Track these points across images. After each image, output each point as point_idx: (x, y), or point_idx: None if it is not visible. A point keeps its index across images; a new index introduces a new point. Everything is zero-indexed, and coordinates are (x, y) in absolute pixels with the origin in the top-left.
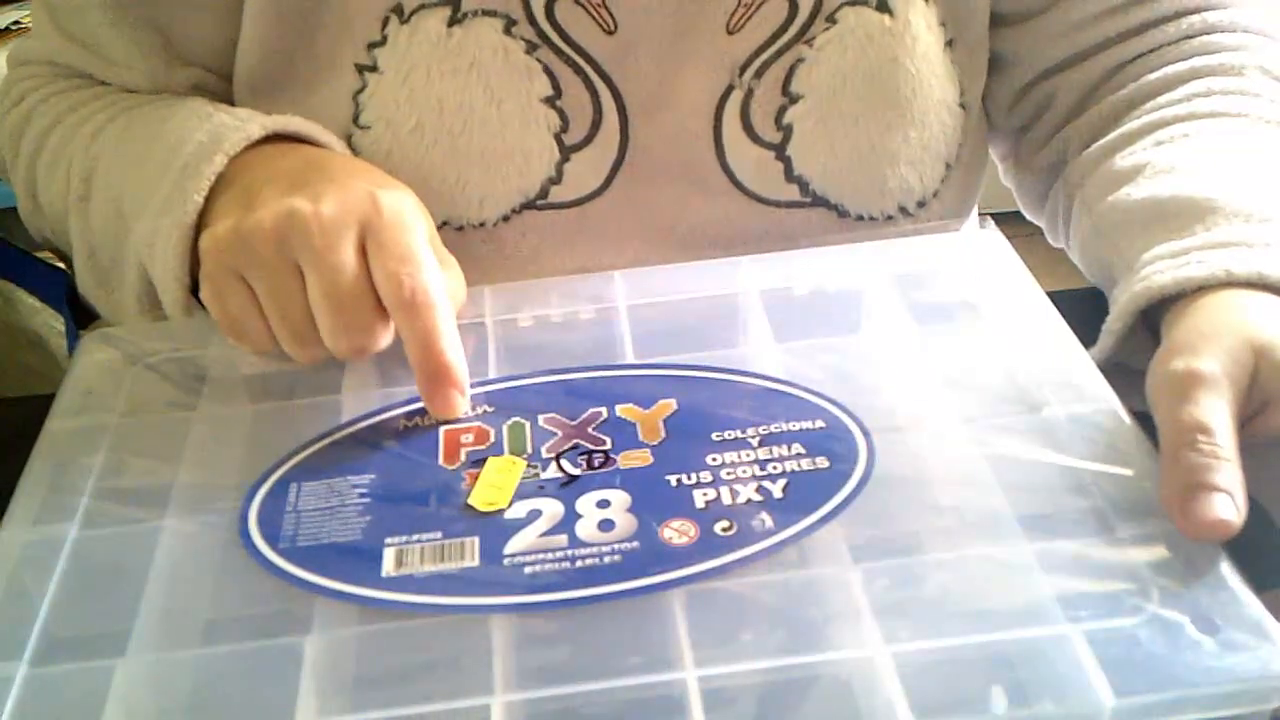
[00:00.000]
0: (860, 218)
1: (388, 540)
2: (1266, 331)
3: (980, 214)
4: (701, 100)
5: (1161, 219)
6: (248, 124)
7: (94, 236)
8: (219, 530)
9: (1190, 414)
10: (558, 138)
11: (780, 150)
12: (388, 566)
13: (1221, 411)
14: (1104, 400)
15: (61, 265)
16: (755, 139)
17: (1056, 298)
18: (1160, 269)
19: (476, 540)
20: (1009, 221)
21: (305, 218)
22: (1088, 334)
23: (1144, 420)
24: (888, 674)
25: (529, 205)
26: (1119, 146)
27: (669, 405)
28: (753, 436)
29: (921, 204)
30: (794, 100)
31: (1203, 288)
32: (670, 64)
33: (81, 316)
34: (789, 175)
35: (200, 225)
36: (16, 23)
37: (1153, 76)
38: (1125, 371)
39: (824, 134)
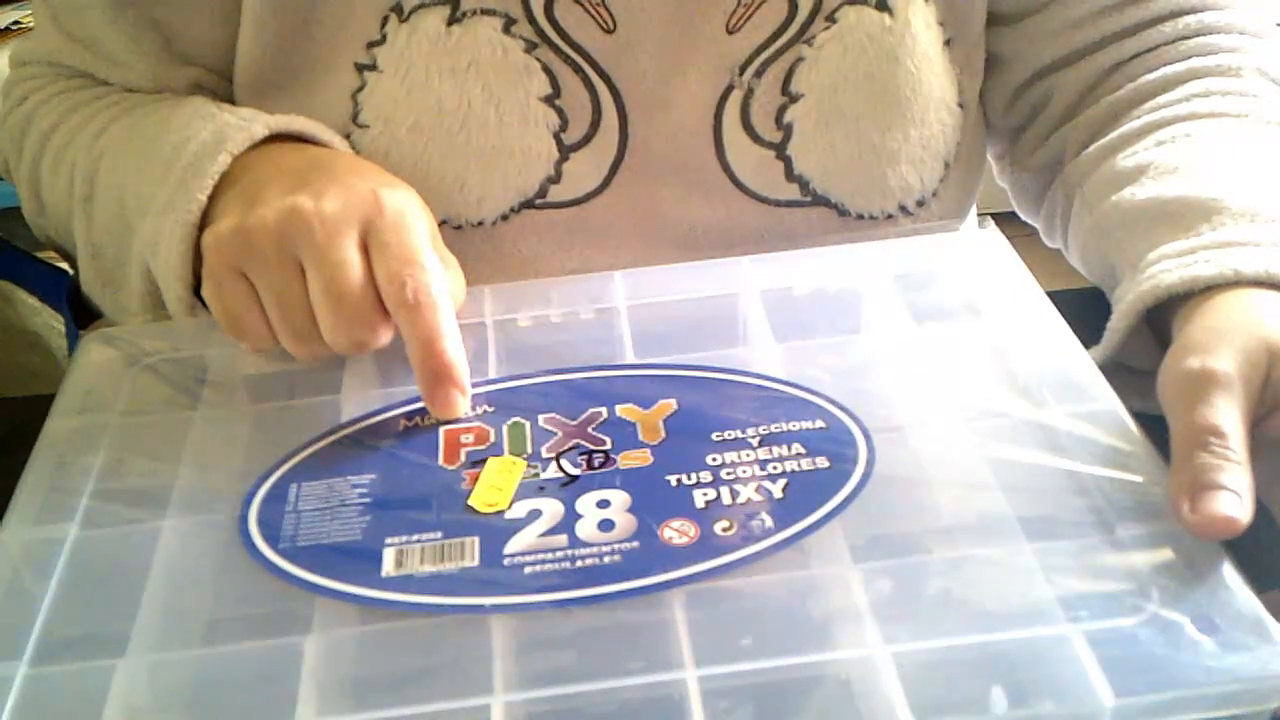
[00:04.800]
0: (860, 217)
1: (388, 540)
2: (1258, 343)
3: (980, 214)
4: (701, 100)
5: (1167, 219)
6: (252, 123)
7: (98, 236)
8: (219, 530)
9: (1204, 415)
10: (557, 137)
11: (780, 149)
12: (388, 566)
13: (1234, 413)
14: (1104, 400)
15: (62, 265)
16: (755, 138)
17: (1056, 298)
18: (1167, 268)
19: (476, 540)
20: (1009, 221)
21: (307, 215)
22: (1088, 334)
23: (1144, 420)
24: (888, 674)
25: (528, 204)
26: (1119, 147)
27: (669, 405)
28: (753, 436)
29: (921, 203)
30: (794, 99)
31: (1211, 287)
32: (670, 63)
33: (81, 316)
34: (789, 174)
35: (204, 224)
36: (16, 23)
37: (1151, 77)
38: (1125, 371)
39: (824, 133)
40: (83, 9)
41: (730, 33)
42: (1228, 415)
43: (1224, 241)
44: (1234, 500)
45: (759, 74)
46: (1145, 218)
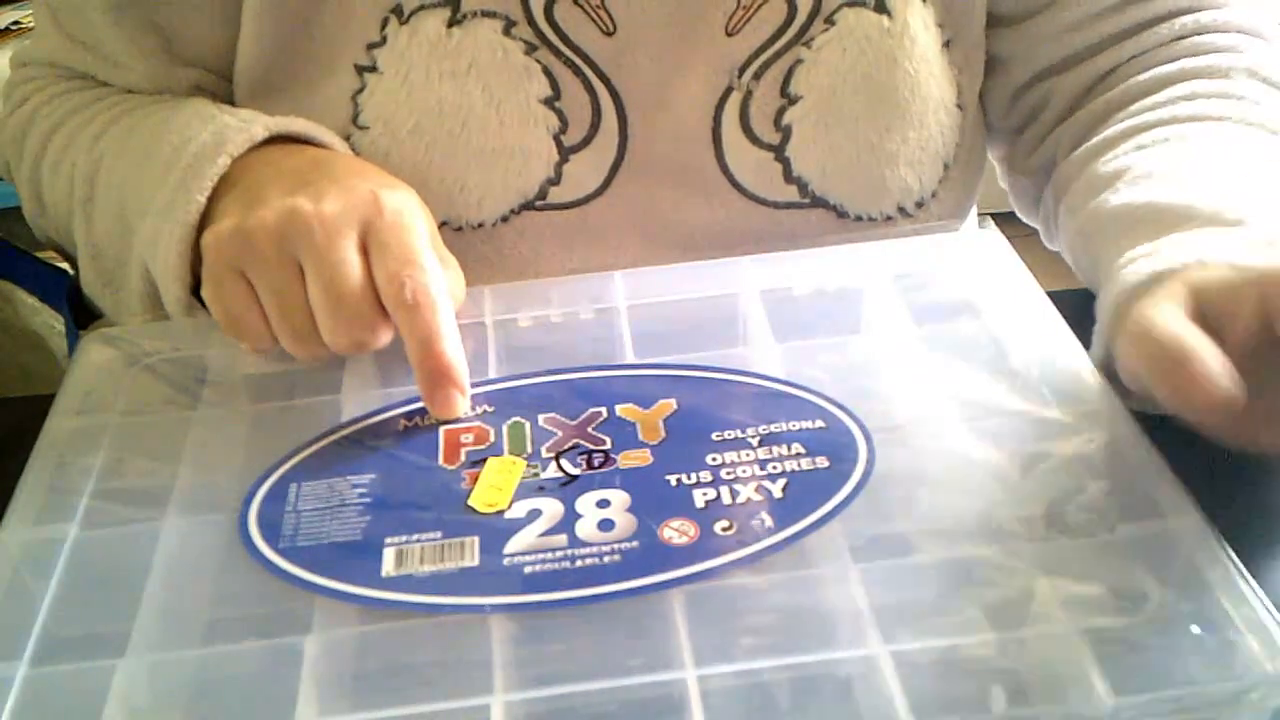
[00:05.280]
0: (859, 218)
1: (388, 540)
2: (1199, 273)
3: (980, 214)
4: (700, 102)
5: (1137, 224)
6: (251, 125)
7: (98, 238)
8: (219, 530)
9: (1160, 341)
10: (556, 139)
11: (779, 151)
12: (388, 566)
13: (1186, 323)
14: (1104, 400)
15: (62, 265)
16: (754, 140)
17: (1056, 298)
18: (1135, 269)
19: (476, 540)
20: (1009, 221)
21: (307, 216)
22: (1088, 334)
23: (1144, 420)
24: (888, 674)
25: (528, 206)
26: (1102, 150)
27: (669, 405)
28: (753, 436)
29: (920, 204)
30: (793, 101)
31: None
32: (669, 65)
33: (81, 316)
34: (788, 176)
35: (203, 226)
36: (16, 23)
37: (1142, 78)
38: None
39: (823, 135)
40: (83, 11)
41: (729, 35)
42: (1179, 324)
43: (1190, 242)
44: (1219, 380)
45: (758, 76)
46: (1117, 224)
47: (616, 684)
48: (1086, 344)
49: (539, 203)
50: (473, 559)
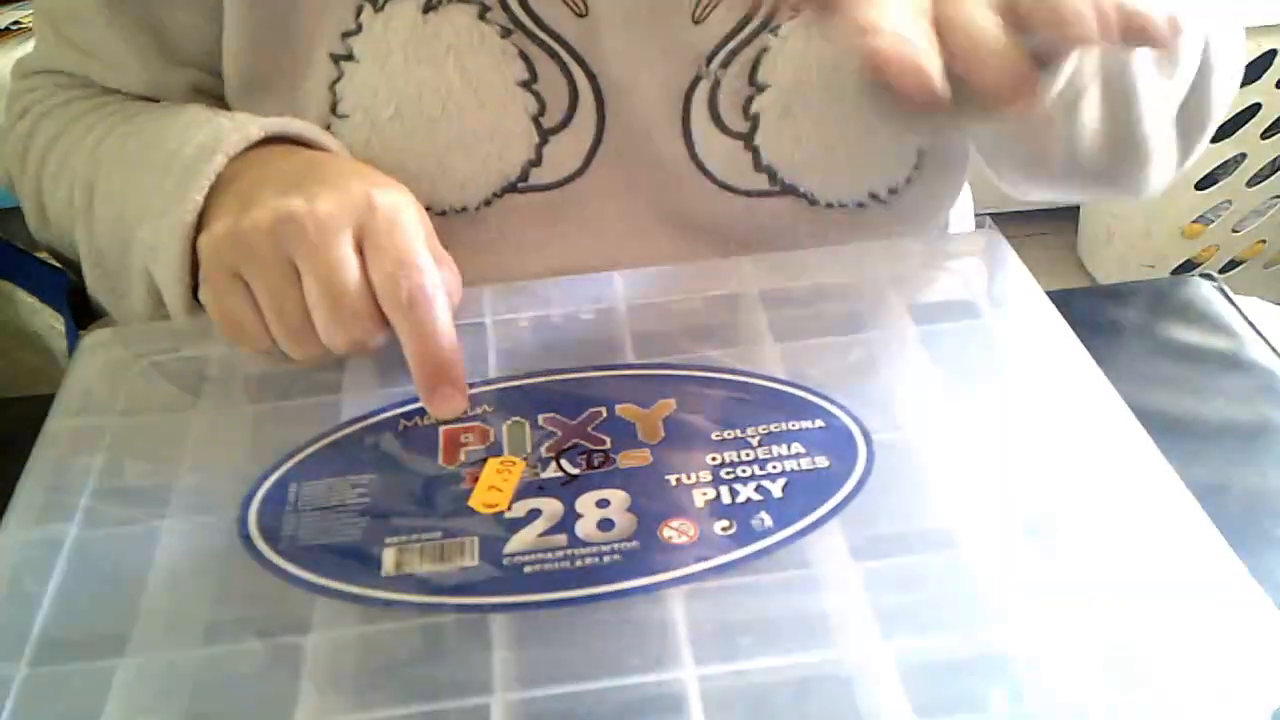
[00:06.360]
0: (830, 205)
1: (387, 540)
2: None
3: (980, 214)
4: (670, 88)
5: None
6: (247, 126)
7: (100, 244)
8: (219, 530)
9: None
10: (535, 120)
11: (748, 139)
12: (387, 566)
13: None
14: (1104, 399)
15: (61, 265)
16: (723, 128)
17: (1056, 298)
18: None
19: (476, 540)
20: (1009, 221)
21: (301, 217)
22: (1087, 334)
23: (1145, 419)
24: (888, 674)
25: (510, 188)
26: None
27: (669, 405)
28: (752, 436)
29: (893, 190)
30: (760, 89)
31: None
32: (638, 50)
33: (81, 316)
34: (757, 165)
35: (201, 226)
36: (16, 23)
37: None
38: (1128, 372)
39: (790, 123)
40: (80, 14)
41: (696, 22)
42: None
43: None
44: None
45: (725, 64)
46: None
47: (616, 684)
48: (1087, 344)
49: (521, 184)
50: (473, 559)
